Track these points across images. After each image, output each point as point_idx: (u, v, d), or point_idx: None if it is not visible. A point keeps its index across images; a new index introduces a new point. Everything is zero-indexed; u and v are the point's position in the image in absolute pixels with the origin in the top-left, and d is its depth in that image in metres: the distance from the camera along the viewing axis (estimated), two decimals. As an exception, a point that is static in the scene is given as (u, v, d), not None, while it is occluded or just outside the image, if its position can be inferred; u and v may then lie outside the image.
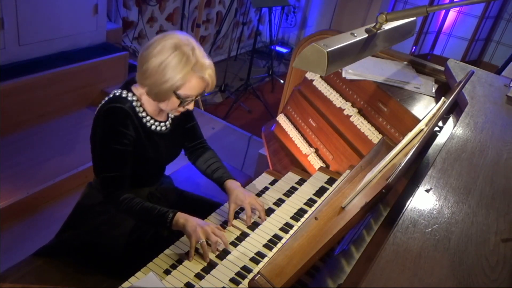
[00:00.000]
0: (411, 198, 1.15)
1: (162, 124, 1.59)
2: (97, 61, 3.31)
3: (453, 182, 1.23)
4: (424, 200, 1.14)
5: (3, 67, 2.82)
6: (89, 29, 3.39)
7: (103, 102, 1.50)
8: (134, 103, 1.50)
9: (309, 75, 2.30)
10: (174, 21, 4.42)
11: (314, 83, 2.24)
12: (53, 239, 1.65)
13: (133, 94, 1.51)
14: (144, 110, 1.53)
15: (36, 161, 2.65)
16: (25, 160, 2.65)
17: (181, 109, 1.51)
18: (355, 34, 1.41)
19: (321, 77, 2.23)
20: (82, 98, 3.28)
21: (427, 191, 1.18)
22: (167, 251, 1.45)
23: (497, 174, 1.30)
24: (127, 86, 1.52)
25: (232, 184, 1.65)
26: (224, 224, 1.59)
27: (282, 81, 4.84)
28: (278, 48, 5.65)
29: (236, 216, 1.62)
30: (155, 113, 1.57)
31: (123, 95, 1.50)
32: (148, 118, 1.54)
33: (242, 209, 1.63)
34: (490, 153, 1.40)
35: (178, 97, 1.45)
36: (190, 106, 1.52)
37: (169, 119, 1.63)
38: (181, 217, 1.45)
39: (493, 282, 0.91)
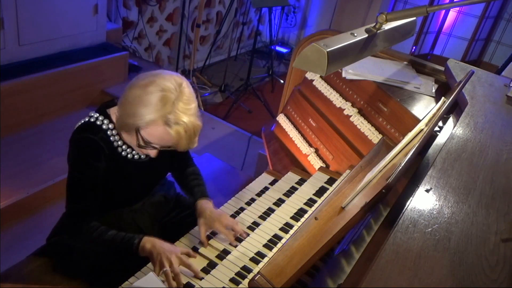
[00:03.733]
0: (411, 198, 1.15)
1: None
2: (97, 61, 3.31)
3: (453, 182, 1.23)
4: (424, 200, 1.14)
5: (3, 67, 2.82)
6: (89, 29, 3.39)
7: (78, 125, 1.42)
8: (108, 132, 1.42)
9: (309, 75, 2.30)
10: (174, 21, 4.42)
11: (314, 83, 2.24)
12: (47, 240, 1.63)
13: (110, 121, 1.42)
14: (120, 139, 1.45)
15: (36, 161, 2.65)
16: (25, 160, 2.64)
17: (142, 150, 1.40)
18: (355, 34, 1.41)
19: (321, 77, 2.23)
20: (82, 98, 3.28)
21: (427, 191, 1.18)
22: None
23: (497, 174, 1.30)
24: (104, 110, 1.43)
25: (203, 205, 1.56)
26: (199, 245, 1.49)
27: (282, 81, 4.84)
28: (278, 48, 5.65)
29: (210, 237, 1.52)
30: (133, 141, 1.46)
31: (98, 123, 1.41)
32: (124, 147, 1.46)
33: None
34: (490, 153, 1.40)
35: (139, 137, 1.35)
36: (151, 152, 1.40)
37: None
38: (148, 242, 1.36)
39: (493, 282, 0.91)
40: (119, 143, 1.45)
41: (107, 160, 1.42)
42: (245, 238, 1.51)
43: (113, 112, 1.43)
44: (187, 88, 1.34)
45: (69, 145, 1.42)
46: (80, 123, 1.43)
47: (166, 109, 1.28)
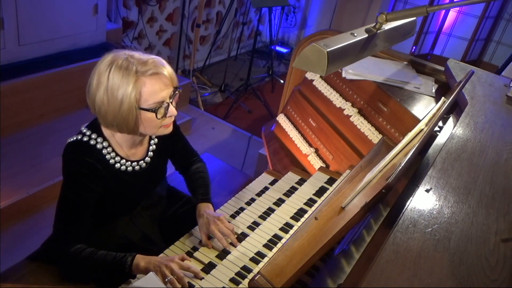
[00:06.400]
0: (411, 198, 1.15)
1: (141, 162, 1.49)
2: (97, 61, 3.31)
3: (453, 182, 1.23)
4: (424, 200, 1.14)
5: (3, 67, 2.82)
6: (89, 29, 3.38)
7: (70, 141, 1.37)
8: (104, 151, 1.39)
9: (309, 75, 2.30)
10: (174, 21, 4.42)
11: (314, 83, 2.24)
12: (41, 245, 1.59)
13: (104, 139, 1.39)
14: (117, 155, 1.42)
15: (36, 161, 2.66)
16: (25, 160, 2.65)
17: (167, 121, 1.37)
18: (355, 34, 1.41)
19: (321, 77, 2.23)
20: (82, 98, 3.23)
21: (427, 191, 1.18)
22: (167, 251, 1.45)
23: (497, 174, 1.30)
24: (96, 125, 1.39)
25: (201, 209, 1.56)
26: (199, 245, 1.51)
27: (282, 81, 4.84)
28: (278, 48, 5.65)
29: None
30: (130, 153, 1.46)
31: (91, 142, 1.37)
32: (123, 161, 1.43)
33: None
34: (490, 153, 1.40)
35: (147, 110, 1.30)
36: (172, 111, 1.35)
37: (149, 152, 1.53)
38: (142, 260, 1.33)
39: (493, 282, 0.91)
40: (116, 159, 1.43)
41: (105, 179, 1.40)
42: (231, 250, 1.48)
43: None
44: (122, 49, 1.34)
45: (62, 160, 1.38)
46: (72, 140, 1.38)
47: (131, 68, 1.26)
